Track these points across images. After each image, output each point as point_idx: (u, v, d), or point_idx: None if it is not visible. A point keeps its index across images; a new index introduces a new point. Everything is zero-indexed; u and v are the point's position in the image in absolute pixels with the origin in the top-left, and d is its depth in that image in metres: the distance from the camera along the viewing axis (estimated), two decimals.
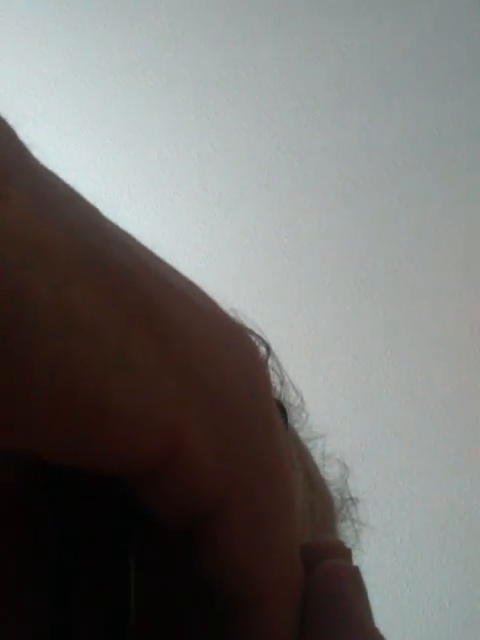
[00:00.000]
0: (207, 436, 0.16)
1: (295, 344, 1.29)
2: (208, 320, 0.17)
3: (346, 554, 0.19)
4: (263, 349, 0.37)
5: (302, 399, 0.37)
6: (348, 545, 0.20)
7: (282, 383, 0.37)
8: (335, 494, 0.38)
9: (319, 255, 1.39)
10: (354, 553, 0.20)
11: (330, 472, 0.37)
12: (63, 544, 0.18)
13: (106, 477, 0.17)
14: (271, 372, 0.37)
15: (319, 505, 0.35)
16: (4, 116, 0.17)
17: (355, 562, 0.19)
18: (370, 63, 1.45)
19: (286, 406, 0.34)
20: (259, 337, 0.36)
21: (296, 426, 0.35)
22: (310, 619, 0.18)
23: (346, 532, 0.38)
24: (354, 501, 0.39)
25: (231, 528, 0.17)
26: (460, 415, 1.32)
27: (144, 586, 0.18)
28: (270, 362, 0.37)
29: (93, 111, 1.47)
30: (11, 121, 0.17)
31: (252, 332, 0.35)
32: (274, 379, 0.38)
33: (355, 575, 0.18)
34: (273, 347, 0.37)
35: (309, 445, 0.35)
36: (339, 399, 1.30)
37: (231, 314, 0.18)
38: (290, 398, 0.37)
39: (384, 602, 1.22)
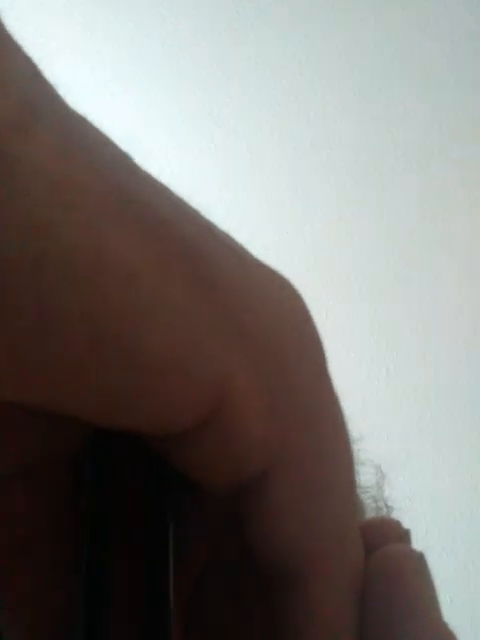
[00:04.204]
0: (255, 391, 0.15)
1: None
2: (253, 270, 0.16)
3: (405, 536, 0.18)
4: None
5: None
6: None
7: None
8: (369, 501, 0.35)
9: (320, 253, 1.38)
10: None
11: (366, 478, 0.35)
12: (96, 512, 0.17)
13: (141, 440, 0.16)
14: None
15: None
16: (30, 54, 0.15)
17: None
18: (375, 57, 1.44)
19: None
20: None
21: None
22: (370, 609, 0.16)
23: None
24: (389, 509, 0.37)
25: (280, 492, 0.15)
26: (458, 414, 1.31)
27: (184, 553, 0.17)
28: None
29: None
30: (37, 61, 0.15)
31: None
32: None
33: (420, 562, 0.17)
34: None
35: None
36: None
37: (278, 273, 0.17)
38: None
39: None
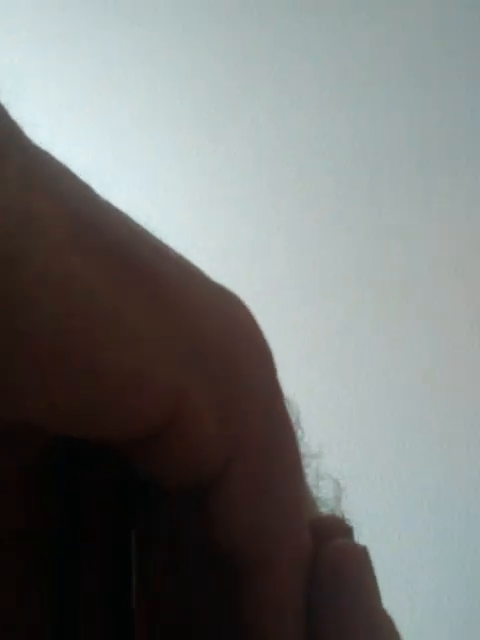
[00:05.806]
0: (210, 397, 0.16)
1: (290, 346, 1.28)
2: (204, 288, 0.17)
3: (349, 533, 0.19)
4: None
5: (298, 413, 0.35)
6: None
7: None
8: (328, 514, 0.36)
9: (316, 256, 1.38)
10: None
11: (324, 491, 0.35)
12: (63, 520, 0.18)
13: (101, 446, 0.17)
14: None
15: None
16: None
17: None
18: (370, 59, 1.45)
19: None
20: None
21: None
22: (318, 598, 0.18)
23: None
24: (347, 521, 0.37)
25: (235, 489, 0.17)
26: (458, 417, 1.32)
27: (148, 556, 0.18)
28: None
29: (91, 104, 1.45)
30: (2, 100, 0.16)
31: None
32: None
33: (364, 555, 0.18)
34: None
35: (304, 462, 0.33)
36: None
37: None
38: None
39: (382, 600, 1.21)
